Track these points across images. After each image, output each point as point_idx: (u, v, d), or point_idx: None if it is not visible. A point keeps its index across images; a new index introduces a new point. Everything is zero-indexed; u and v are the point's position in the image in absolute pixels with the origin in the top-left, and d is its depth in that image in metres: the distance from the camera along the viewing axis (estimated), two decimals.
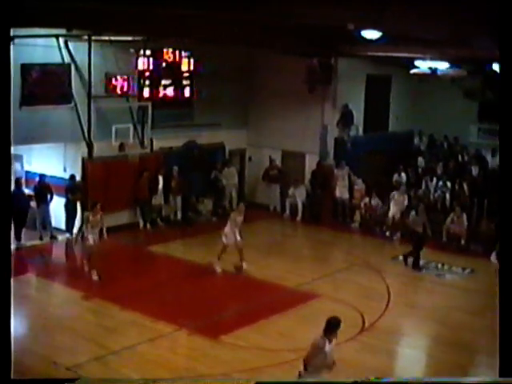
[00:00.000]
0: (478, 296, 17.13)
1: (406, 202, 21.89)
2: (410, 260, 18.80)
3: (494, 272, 18.26)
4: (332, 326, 9.77)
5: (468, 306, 16.15)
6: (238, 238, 17.48)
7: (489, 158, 25.73)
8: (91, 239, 16.61)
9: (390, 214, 21.84)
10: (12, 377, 7.55)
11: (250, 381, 8.45)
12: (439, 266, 19.18)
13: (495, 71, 22.36)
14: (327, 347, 9.71)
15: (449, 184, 23.58)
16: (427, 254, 19.63)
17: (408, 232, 19.87)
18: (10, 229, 8.11)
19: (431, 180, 24.09)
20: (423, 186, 24.05)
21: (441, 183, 23.74)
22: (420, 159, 26.35)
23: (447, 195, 23.44)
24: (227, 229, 17.53)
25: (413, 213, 19.38)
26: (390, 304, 15.57)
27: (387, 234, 21.80)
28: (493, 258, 18.36)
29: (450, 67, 22.99)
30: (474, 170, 24.79)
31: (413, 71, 23.91)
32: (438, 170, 24.98)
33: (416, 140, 28.08)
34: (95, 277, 16.50)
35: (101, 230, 16.86)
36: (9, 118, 7.74)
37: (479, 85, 25.77)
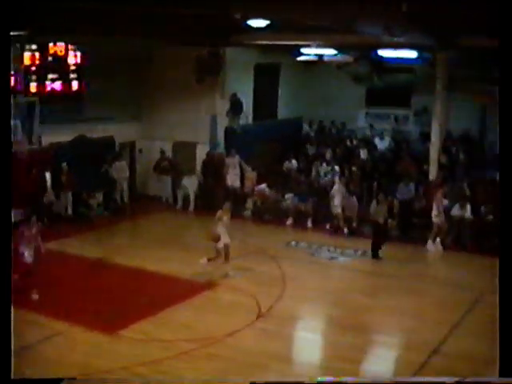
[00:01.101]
0: (371, 277, 17.55)
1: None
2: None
3: (385, 253, 18.84)
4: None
5: (362, 288, 16.50)
6: (227, 239, 16.74)
7: (377, 141, 26.30)
8: None
9: (336, 207, 21.48)
10: (12, 377, 7.54)
11: (244, 381, 8.41)
12: (332, 248, 19.49)
13: (381, 56, 22.91)
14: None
15: (338, 169, 24.03)
16: (320, 238, 19.96)
17: (370, 223, 19.99)
18: (11, 229, 7.96)
19: (321, 165, 24.48)
20: (313, 172, 24.41)
21: (331, 168, 24.15)
22: (309, 146, 26.72)
23: (333, 179, 23.88)
24: (217, 230, 16.75)
25: (374, 203, 19.58)
26: (285, 289, 15.72)
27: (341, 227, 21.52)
28: (429, 245, 18.92)
29: (337, 53, 23.40)
30: (363, 154, 25.30)
31: (300, 58, 24.21)
32: (328, 155, 25.39)
33: (305, 126, 28.43)
34: None
35: None
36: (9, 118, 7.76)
37: (366, 70, 26.31)
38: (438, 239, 19.69)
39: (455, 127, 24.66)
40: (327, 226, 21.23)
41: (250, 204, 23.29)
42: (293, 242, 20.01)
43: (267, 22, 15.73)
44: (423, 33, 18.38)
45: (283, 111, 27.56)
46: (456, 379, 7.87)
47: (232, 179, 23.50)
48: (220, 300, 15.20)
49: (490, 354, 12.49)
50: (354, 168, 24.00)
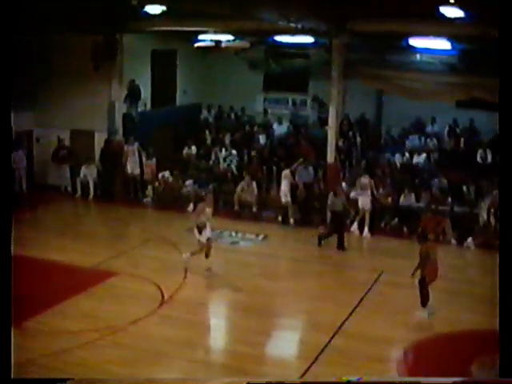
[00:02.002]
0: (273, 261, 17.76)
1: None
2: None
3: (286, 237, 19.11)
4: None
5: (263, 271, 16.69)
6: (209, 232, 16.20)
7: (275, 126, 26.56)
8: None
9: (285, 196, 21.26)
10: (12, 377, 7.48)
11: (241, 381, 8.37)
12: (233, 234, 19.63)
13: (278, 42, 23.12)
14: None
15: (236, 153, 24.21)
16: (220, 223, 20.07)
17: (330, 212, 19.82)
18: (11, 229, 7.73)
19: (220, 151, 24.59)
20: (213, 158, 24.50)
21: (229, 153, 24.30)
22: (208, 132, 26.78)
23: (233, 165, 24.06)
24: (200, 223, 16.14)
25: (331, 194, 19.57)
26: (187, 275, 15.75)
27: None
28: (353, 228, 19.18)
29: (234, 39, 23.49)
30: (262, 139, 25.53)
31: (197, 45, 24.20)
32: (227, 140, 25.52)
33: (204, 112, 28.45)
34: None
35: None
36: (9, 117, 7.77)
37: (262, 56, 26.50)
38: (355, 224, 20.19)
39: (352, 111, 25.14)
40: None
41: (150, 191, 23.20)
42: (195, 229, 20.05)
43: (164, 8, 15.69)
44: (318, 19, 18.68)
45: (182, 97, 27.50)
46: (456, 379, 8.01)
47: (131, 167, 23.33)
48: (122, 288, 15.10)
49: (392, 333, 12.96)
50: (253, 153, 24.21)
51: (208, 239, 16.08)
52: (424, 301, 13.96)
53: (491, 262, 18.11)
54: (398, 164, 23.61)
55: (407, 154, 23.96)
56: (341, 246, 18.71)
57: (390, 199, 21.23)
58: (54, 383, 8.25)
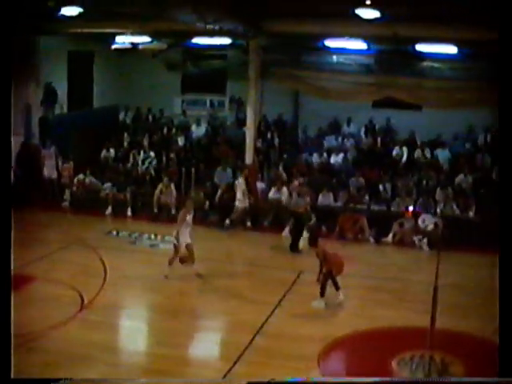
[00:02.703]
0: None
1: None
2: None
3: (205, 238, 19.15)
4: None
5: (182, 273, 16.63)
6: (188, 239, 16.06)
7: (194, 127, 26.56)
8: None
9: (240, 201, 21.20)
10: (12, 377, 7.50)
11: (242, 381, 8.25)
12: (152, 236, 19.55)
13: (195, 44, 23.12)
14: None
15: (154, 155, 24.14)
16: (139, 226, 19.98)
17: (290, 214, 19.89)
18: (11, 228, 7.53)
19: (138, 153, 24.45)
20: (131, 160, 24.35)
21: (147, 156, 24.20)
22: (126, 134, 26.60)
23: (151, 167, 23.99)
24: (180, 230, 16.05)
25: (295, 195, 19.62)
26: (107, 279, 15.62)
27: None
28: (285, 233, 19.13)
29: (151, 41, 23.41)
30: (180, 141, 25.50)
31: (114, 46, 24.02)
32: (145, 142, 25.40)
33: (122, 114, 28.23)
34: None
35: None
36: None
37: (180, 57, 26.45)
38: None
39: (269, 112, 25.34)
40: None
41: (67, 195, 22.90)
42: (113, 232, 19.89)
43: (80, 9, 15.54)
44: (235, 20, 18.77)
45: (99, 100, 27.23)
46: (456, 379, 8.10)
47: (48, 170, 23.00)
48: (41, 293, 14.89)
49: (312, 331, 13.12)
50: (171, 155, 24.16)
51: (187, 245, 15.97)
52: (322, 292, 14.37)
53: (409, 258, 18.64)
54: (316, 164, 23.91)
55: (325, 154, 24.29)
56: (294, 247, 18.80)
57: (308, 199, 21.46)
58: (54, 383, 8.22)
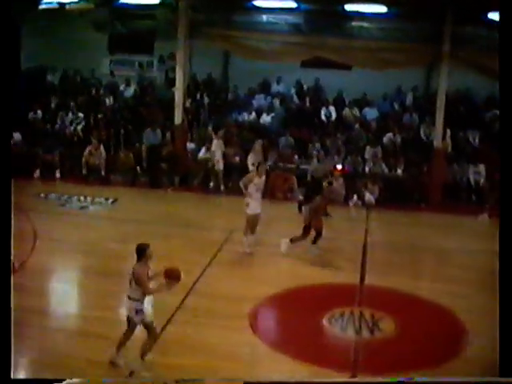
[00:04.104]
0: (123, 224, 17.67)
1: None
2: None
3: (135, 199, 19.08)
4: (140, 252, 10.02)
5: (114, 235, 16.59)
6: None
7: (122, 88, 26.23)
8: None
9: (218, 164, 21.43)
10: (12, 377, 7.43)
11: (239, 381, 8.18)
12: (82, 198, 19.39)
13: (122, 3, 22.77)
14: (150, 272, 9.98)
15: (83, 116, 23.82)
16: (69, 188, 19.79)
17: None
18: (11, 227, 7.29)
19: (66, 114, 24.08)
20: (59, 122, 23.97)
21: (76, 117, 23.85)
22: (53, 95, 26.10)
23: (80, 129, 23.69)
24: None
25: (315, 160, 19.89)
26: (37, 242, 15.47)
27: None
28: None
29: (78, 1, 22.96)
30: (109, 101, 25.18)
31: (42, 7, 23.50)
32: (73, 103, 24.99)
33: (49, 76, 27.66)
34: None
35: None
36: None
37: (108, 17, 25.98)
38: None
39: (199, 71, 25.19)
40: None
41: None
42: (42, 194, 19.66)
43: None
44: None
45: (26, 61, 26.59)
46: (456, 379, 8.16)
47: None
48: None
49: (243, 290, 13.25)
50: (100, 116, 23.88)
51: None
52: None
53: (339, 217, 18.87)
54: (246, 123, 23.95)
55: (254, 114, 24.31)
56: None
57: (237, 158, 21.56)
58: (54, 383, 8.20)
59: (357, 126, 23.42)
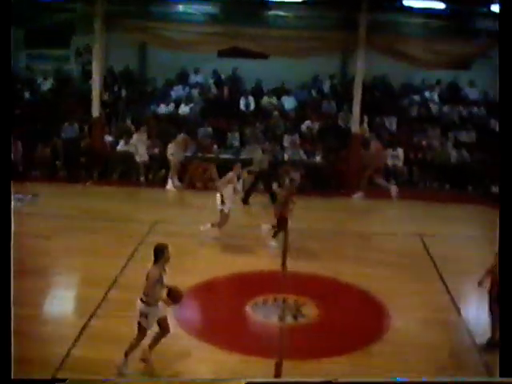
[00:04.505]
0: (44, 219, 17.41)
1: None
2: None
3: (55, 194, 18.84)
4: (157, 253, 9.61)
5: (35, 231, 16.31)
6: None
7: (39, 82, 25.78)
8: None
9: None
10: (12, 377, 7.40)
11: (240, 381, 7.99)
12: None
13: None
14: (164, 278, 9.63)
15: None
16: None
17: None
18: (11, 226, 7.76)
19: None
20: None
21: None
22: None
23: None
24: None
25: (259, 151, 19.89)
26: None
27: None
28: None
29: None
30: (26, 96, 24.75)
31: None
32: None
33: None
34: None
35: None
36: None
37: (25, 10, 25.45)
38: None
39: (116, 64, 24.96)
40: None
41: None
42: None
43: None
44: None
45: None
46: (456, 379, 8.12)
47: None
48: None
49: (169, 280, 13.20)
50: (17, 111, 23.43)
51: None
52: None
53: (260, 204, 18.96)
54: (164, 115, 23.87)
55: (172, 105, 24.23)
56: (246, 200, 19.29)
57: (157, 150, 21.50)
58: (54, 383, 8.03)
59: (275, 114, 23.56)
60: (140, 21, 22.13)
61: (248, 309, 12.07)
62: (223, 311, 11.88)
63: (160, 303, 9.74)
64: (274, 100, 24.43)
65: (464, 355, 11.06)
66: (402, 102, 24.83)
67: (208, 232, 15.60)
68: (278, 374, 9.63)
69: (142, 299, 9.70)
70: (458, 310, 12.69)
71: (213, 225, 15.62)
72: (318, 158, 21.75)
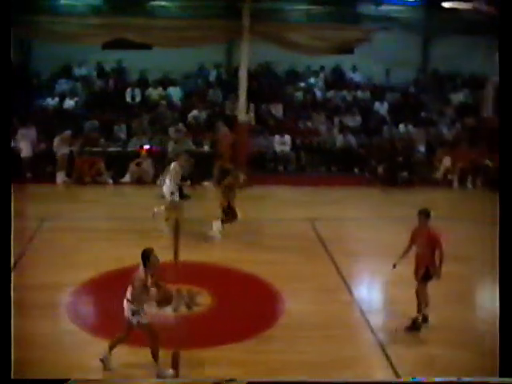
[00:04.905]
0: None
1: None
2: None
3: None
4: (144, 258, 9.54)
5: None
6: None
7: None
8: None
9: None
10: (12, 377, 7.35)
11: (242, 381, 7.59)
12: None
13: None
14: (149, 280, 9.49)
15: None
16: None
17: None
18: (11, 228, 8.04)
19: None
20: None
21: None
22: None
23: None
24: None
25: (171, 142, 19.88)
26: None
27: None
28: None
29: None
30: None
31: None
32: None
33: None
34: None
35: None
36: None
37: None
38: None
39: None
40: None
41: None
42: None
43: None
44: None
45: None
46: (456, 379, 7.96)
47: None
48: None
49: (59, 278, 13.02)
50: None
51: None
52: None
53: (149, 196, 18.87)
54: (49, 109, 23.41)
55: (57, 99, 23.78)
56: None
57: (44, 145, 21.13)
58: (54, 383, 7.93)
59: (162, 104, 23.44)
60: (22, 14, 21.63)
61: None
62: (116, 305, 11.75)
63: (145, 306, 9.72)
64: (160, 91, 24.30)
65: (358, 334, 11.34)
66: (288, 88, 25.12)
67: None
68: (175, 365, 9.64)
69: (127, 299, 9.68)
70: (350, 291, 12.98)
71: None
72: (206, 148, 21.80)
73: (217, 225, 15.60)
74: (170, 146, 21.38)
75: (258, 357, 10.20)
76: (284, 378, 9.56)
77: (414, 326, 11.29)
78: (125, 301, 9.74)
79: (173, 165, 16.09)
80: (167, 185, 15.87)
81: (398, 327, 11.32)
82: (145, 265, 9.62)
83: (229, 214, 15.51)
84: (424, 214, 11.22)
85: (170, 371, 9.59)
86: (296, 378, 9.52)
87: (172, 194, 15.74)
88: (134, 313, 9.64)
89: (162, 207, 15.85)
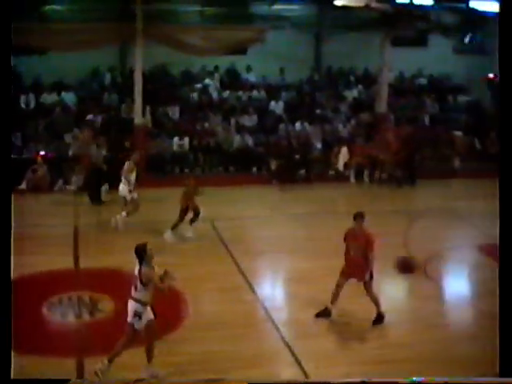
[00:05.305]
0: None
1: None
2: None
3: None
4: (140, 253, 9.50)
5: None
6: None
7: None
8: None
9: None
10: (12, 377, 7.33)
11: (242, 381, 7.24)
12: None
13: None
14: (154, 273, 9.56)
15: None
16: None
17: None
18: (11, 230, 7.03)
19: None
20: None
21: None
22: None
23: None
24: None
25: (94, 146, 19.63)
26: None
27: None
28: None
29: None
30: None
31: None
32: None
33: None
34: None
35: None
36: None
37: None
38: None
39: None
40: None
41: None
42: None
43: None
44: None
45: None
46: (456, 379, 7.78)
47: None
48: None
49: None
50: None
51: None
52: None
53: (46, 203, 18.56)
54: None
55: None
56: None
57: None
58: (54, 383, 7.91)
59: (57, 110, 23.11)
60: None
61: (45, 309, 11.87)
62: (20, 314, 11.59)
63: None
64: (54, 96, 23.91)
65: (262, 330, 11.50)
66: (184, 90, 25.14)
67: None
68: (80, 372, 9.58)
69: (135, 299, 9.53)
70: (253, 289, 13.12)
71: (128, 214, 16.16)
72: (103, 152, 21.57)
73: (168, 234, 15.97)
74: (71, 151, 21.20)
75: (165, 359, 10.16)
76: (193, 379, 9.62)
77: (325, 313, 11.56)
78: (130, 303, 9.61)
79: (126, 164, 16.49)
80: (123, 185, 16.28)
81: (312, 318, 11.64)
82: (143, 259, 9.56)
83: (182, 216, 16.11)
84: (360, 216, 11.50)
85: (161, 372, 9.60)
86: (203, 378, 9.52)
87: (130, 191, 16.32)
88: (138, 314, 9.54)
89: (124, 213, 16.22)
